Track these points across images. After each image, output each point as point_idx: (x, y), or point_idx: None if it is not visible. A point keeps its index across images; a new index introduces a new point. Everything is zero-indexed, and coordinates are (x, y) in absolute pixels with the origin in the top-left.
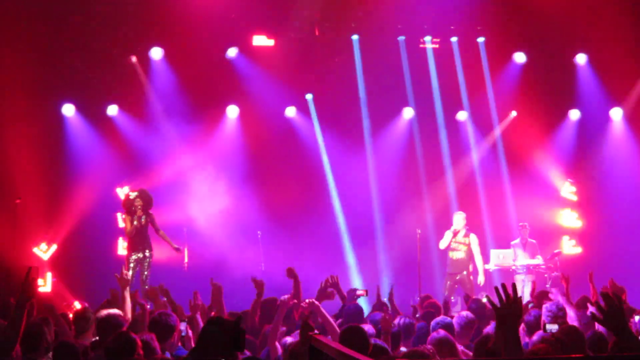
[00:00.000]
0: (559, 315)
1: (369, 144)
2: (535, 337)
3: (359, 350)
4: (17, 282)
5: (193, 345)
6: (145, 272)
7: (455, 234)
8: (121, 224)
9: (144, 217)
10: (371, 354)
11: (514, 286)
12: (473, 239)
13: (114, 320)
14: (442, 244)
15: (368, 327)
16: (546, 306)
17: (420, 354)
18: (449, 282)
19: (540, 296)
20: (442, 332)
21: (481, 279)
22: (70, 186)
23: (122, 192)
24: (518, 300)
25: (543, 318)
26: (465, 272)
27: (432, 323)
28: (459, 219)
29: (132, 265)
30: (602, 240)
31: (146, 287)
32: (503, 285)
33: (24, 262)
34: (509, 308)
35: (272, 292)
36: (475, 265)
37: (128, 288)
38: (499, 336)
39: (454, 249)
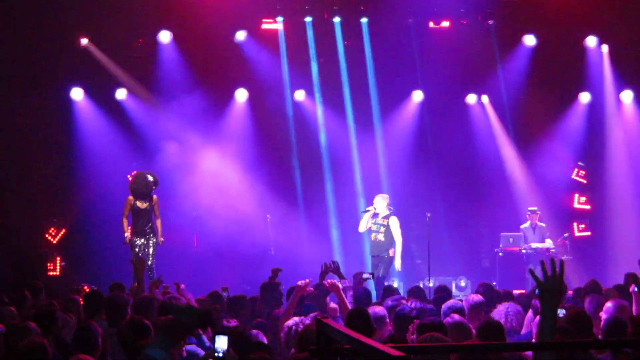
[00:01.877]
0: None
1: (378, 127)
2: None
3: (363, 333)
4: (28, 265)
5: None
6: (151, 259)
7: (374, 216)
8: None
9: (147, 201)
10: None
11: (561, 263)
12: (393, 222)
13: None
14: (360, 228)
15: (380, 309)
16: None
17: (436, 338)
18: (371, 265)
19: None
20: (456, 316)
21: (397, 264)
22: (79, 170)
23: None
24: (561, 276)
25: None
26: (385, 255)
27: (444, 307)
28: (379, 201)
29: (136, 250)
30: (611, 223)
31: (152, 273)
32: (552, 260)
33: (35, 247)
34: (552, 283)
35: (280, 275)
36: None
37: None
38: (542, 311)
39: (374, 231)
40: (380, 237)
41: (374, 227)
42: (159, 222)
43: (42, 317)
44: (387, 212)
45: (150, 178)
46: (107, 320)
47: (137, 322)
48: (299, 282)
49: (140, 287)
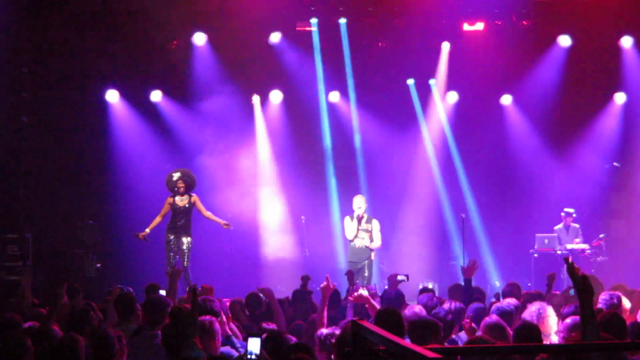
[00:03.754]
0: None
1: (412, 128)
2: (570, 322)
3: (394, 333)
4: (65, 266)
5: (228, 331)
6: (186, 259)
7: (359, 220)
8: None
9: (187, 201)
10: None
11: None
12: (375, 225)
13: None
14: (350, 234)
15: (419, 309)
16: (603, 297)
17: (485, 340)
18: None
19: None
20: (494, 317)
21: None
22: (114, 171)
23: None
24: (584, 278)
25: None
26: (366, 261)
27: (493, 309)
28: (361, 203)
29: (171, 252)
30: None
31: (188, 274)
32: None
33: (70, 248)
34: (582, 284)
35: (315, 277)
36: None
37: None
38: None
39: (360, 237)
40: (365, 242)
41: (360, 233)
42: (209, 215)
43: (76, 318)
44: (367, 215)
45: (175, 175)
46: (148, 323)
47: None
48: (321, 285)
49: (172, 295)
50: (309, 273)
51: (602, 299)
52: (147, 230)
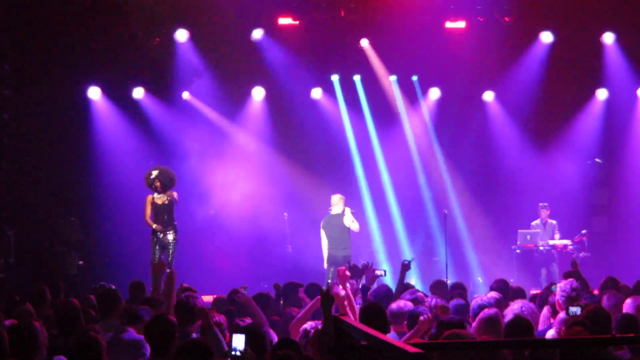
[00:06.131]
0: (572, 296)
1: (395, 124)
2: (560, 317)
3: (379, 329)
4: (47, 264)
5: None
6: (171, 256)
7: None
8: None
9: (166, 198)
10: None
11: None
12: None
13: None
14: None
15: (404, 304)
16: (560, 286)
17: (463, 335)
18: (332, 267)
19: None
20: (491, 311)
21: None
22: (96, 168)
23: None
24: None
25: (557, 298)
26: None
27: (473, 305)
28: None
29: (156, 248)
30: (629, 220)
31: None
32: None
33: (52, 245)
34: None
35: (298, 273)
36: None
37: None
38: None
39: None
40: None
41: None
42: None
43: (65, 316)
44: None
45: (153, 173)
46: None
47: (163, 319)
48: (340, 292)
49: (155, 289)
50: (291, 269)
51: (560, 288)
52: (154, 225)
